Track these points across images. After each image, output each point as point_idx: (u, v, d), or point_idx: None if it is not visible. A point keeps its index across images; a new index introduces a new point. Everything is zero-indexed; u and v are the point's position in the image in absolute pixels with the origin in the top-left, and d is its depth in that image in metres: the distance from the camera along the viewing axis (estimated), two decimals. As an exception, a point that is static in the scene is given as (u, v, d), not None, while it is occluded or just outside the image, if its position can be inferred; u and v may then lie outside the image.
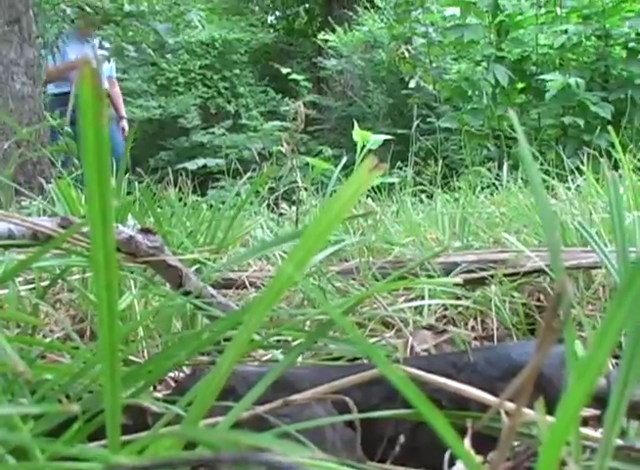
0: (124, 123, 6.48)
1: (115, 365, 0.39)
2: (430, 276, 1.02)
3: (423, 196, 3.09)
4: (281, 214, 2.35)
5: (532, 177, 0.43)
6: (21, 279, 0.85)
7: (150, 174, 8.12)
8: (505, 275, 1.00)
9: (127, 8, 8.15)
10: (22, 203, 2.05)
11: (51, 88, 6.12)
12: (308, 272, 1.21)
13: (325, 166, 2.00)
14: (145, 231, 0.62)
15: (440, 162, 3.95)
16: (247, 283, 1.16)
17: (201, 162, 7.39)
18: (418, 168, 5.09)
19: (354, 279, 1.11)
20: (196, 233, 1.33)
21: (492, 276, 1.01)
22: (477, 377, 0.56)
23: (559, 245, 0.34)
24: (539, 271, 0.99)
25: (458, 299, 0.97)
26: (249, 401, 0.46)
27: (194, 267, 0.99)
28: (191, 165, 7.05)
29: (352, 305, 0.64)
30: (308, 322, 0.92)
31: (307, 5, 11.35)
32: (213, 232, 1.31)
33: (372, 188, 2.24)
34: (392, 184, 2.73)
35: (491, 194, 2.43)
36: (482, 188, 2.70)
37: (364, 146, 2.07)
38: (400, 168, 4.89)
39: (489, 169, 5.95)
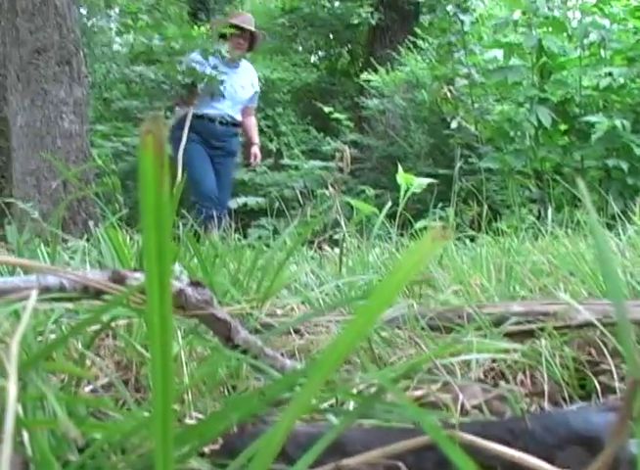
0: (256, 149, 6.27)
1: (169, 430, 0.39)
2: (477, 327, 1.01)
3: (466, 238, 3.07)
4: (322, 254, 2.34)
5: (599, 245, 0.42)
6: (65, 324, 0.85)
7: (190, 211, 8.16)
8: (555, 327, 0.98)
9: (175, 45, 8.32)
10: (69, 243, 2.07)
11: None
12: (345, 320, 1.20)
13: (369, 210, 2.00)
14: (194, 284, 0.62)
15: (482, 203, 3.92)
16: (291, 329, 1.15)
17: (242, 200, 7.45)
18: (459, 208, 5.06)
19: (400, 328, 1.09)
20: (241, 281, 1.33)
21: (542, 329, 0.99)
22: (534, 444, 0.55)
23: (623, 303, 0.33)
24: (590, 324, 0.97)
25: (506, 351, 0.95)
26: (304, 466, 0.45)
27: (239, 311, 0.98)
28: (232, 203, 7.09)
29: (406, 371, 0.62)
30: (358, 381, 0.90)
31: (350, 46, 11.48)
32: (260, 279, 1.30)
33: (415, 231, 2.23)
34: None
35: (535, 237, 2.40)
36: (526, 230, 2.67)
37: (408, 189, 2.06)
38: (442, 209, 4.88)
39: (531, 211, 5.92)
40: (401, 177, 2.04)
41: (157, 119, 0.31)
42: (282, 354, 0.83)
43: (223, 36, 6.10)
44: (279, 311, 1.31)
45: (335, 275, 1.81)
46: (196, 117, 5.77)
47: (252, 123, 6.42)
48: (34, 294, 0.41)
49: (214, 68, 6.04)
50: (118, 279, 0.58)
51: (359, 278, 1.55)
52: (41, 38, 4.40)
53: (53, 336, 0.83)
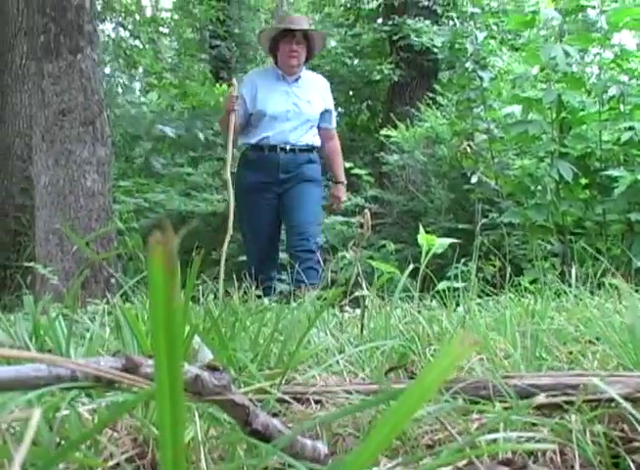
0: (339, 190, 5.22)
1: None
2: (503, 400, 0.98)
3: (487, 295, 3.03)
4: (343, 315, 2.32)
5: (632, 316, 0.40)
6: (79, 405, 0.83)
7: (212, 266, 8.12)
8: (584, 401, 0.95)
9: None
10: (88, 307, 2.07)
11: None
12: (367, 390, 1.17)
13: (391, 270, 1.98)
14: (211, 368, 0.60)
15: (504, 258, 3.89)
16: (311, 400, 1.13)
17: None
18: (481, 263, 5.03)
19: (423, 400, 1.06)
20: (262, 346, 1.31)
21: (571, 402, 0.96)
22: None
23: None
24: (622, 398, 0.94)
25: (534, 426, 0.92)
26: None
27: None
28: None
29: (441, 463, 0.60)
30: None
31: (370, 102, 11.60)
32: (280, 350, 1.29)
33: (438, 292, 2.21)
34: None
35: (558, 295, 2.37)
36: (549, 288, 2.63)
37: (429, 249, 2.05)
38: (464, 264, 4.84)
39: (553, 265, 5.86)
40: (423, 238, 2.03)
41: (166, 231, 0.30)
42: (303, 432, 0.81)
43: (273, 49, 5.10)
44: (299, 380, 1.29)
45: (356, 338, 1.79)
46: (255, 147, 4.94)
47: (335, 150, 5.29)
48: (37, 414, 0.40)
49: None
50: (132, 367, 0.56)
51: (381, 343, 1.52)
52: (66, 100, 4.48)
53: (66, 412, 0.82)
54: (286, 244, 5.12)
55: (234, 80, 5.06)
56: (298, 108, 4.94)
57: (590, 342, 1.36)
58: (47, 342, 1.21)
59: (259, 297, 2.97)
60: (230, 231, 4.70)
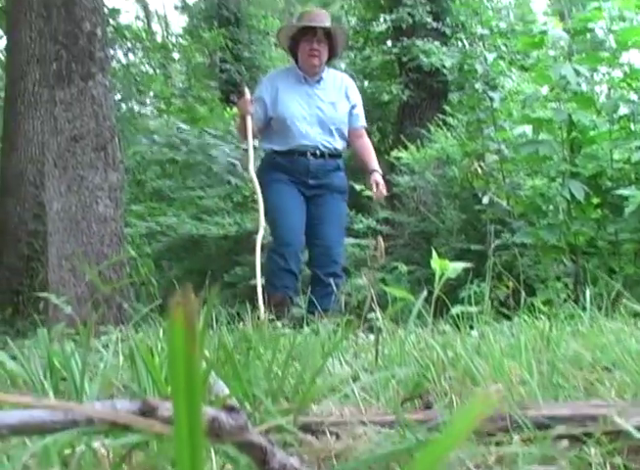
0: (377, 176, 4.83)
1: None
2: (521, 432, 0.97)
3: (501, 315, 3.02)
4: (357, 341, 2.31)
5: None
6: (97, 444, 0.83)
7: (225, 289, 8.07)
8: (603, 433, 0.94)
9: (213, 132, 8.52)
10: (102, 337, 2.07)
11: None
12: (384, 421, 1.16)
13: (404, 295, 1.97)
14: (228, 409, 0.60)
15: (517, 278, 3.88)
16: (327, 432, 1.12)
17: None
18: (494, 284, 5.01)
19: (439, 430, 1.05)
20: (276, 374, 1.30)
21: (589, 434, 0.95)
22: None
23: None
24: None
25: (553, 458, 0.91)
26: None
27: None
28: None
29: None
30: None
31: (380, 123, 11.63)
32: (296, 381, 1.28)
33: (452, 317, 2.19)
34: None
35: (572, 317, 2.35)
36: (562, 309, 2.61)
37: (442, 274, 2.04)
38: (477, 285, 4.83)
39: (566, 285, 5.84)
40: (436, 263, 2.02)
41: (186, 292, 0.30)
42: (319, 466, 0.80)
43: (293, 49, 4.88)
44: (315, 410, 1.28)
45: (370, 365, 1.78)
46: (282, 153, 4.73)
47: (365, 146, 4.98)
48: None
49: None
50: (149, 410, 0.56)
51: (396, 372, 1.51)
52: (78, 126, 4.51)
53: (81, 448, 0.82)
54: (310, 260, 4.90)
55: (245, 88, 4.97)
56: (323, 112, 4.74)
57: (607, 369, 1.35)
58: (62, 373, 1.21)
59: (272, 320, 2.96)
60: (263, 223, 4.58)
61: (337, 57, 5.12)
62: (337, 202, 4.81)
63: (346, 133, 4.88)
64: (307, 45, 4.72)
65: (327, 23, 4.76)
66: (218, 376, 1.08)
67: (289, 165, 4.71)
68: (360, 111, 4.98)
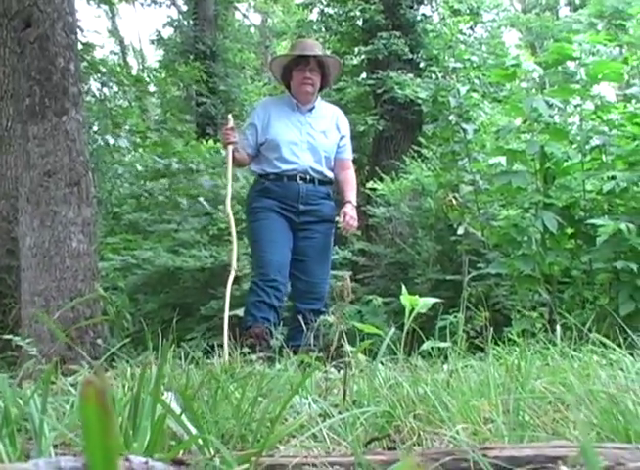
0: (349, 209, 4.73)
1: None
2: (483, 474, 0.97)
3: (475, 347, 3.03)
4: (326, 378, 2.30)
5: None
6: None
7: (201, 322, 8.02)
8: (564, 475, 0.94)
9: (175, 166, 8.51)
10: (70, 377, 2.04)
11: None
12: (348, 463, 1.16)
13: (375, 332, 1.97)
14: (177, 463, 0.59)
15: (492, 308, 3.89)
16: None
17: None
18: (470, 314, 5.01)
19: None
20: (242, 425, 1.29)
21: (550, 476, 0.95)
22: None
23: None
24: (602, 470, 0.92)
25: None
26: None
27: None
28: (241, 312, 7.05)
29: None
30: None
31: (355, 155, 11.69)
32: (259, 424, 1.27)
33: (424, 351, 2.19)
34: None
35: (546, 348, 2.36)
36: (535, 340, 2.62)
37: (413, 309, 2.04)
38: (450, 314, 4.83)
39: (542, 315, 5.86)
40: (406, 299, 2.03)
41: (99, 373, 0.30)
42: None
43: (286, 78, 4.93)
44: (281, 450, 1.27)
45: (340, 403, 1.77)
46: (272, 178, 4.73)
47: (347, 178, 4.93)
48: None
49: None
50: (93, 469, 0.55)
51: (364, 411, 1.51)
52: (51, 161, 4.49)
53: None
54: (292, 293, 4.87)
55: (229, 116, 4.99)
56: (314, 139, 4.78)
57: (572, 407, 1.35)
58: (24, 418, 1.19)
59: (247, 353, 2.94)
60: (235, 266, 4.56)
61: (329, 86, 5.16)
62: (324, 234, 4.80)
63: (331, 163, 4.91)
64: (300, 74, 4.79)
65: (320, 53, 4.86)
66: (177, 420, 1.07)
67: (279, 190, 4.71)
68: (348, 142, 5.03)
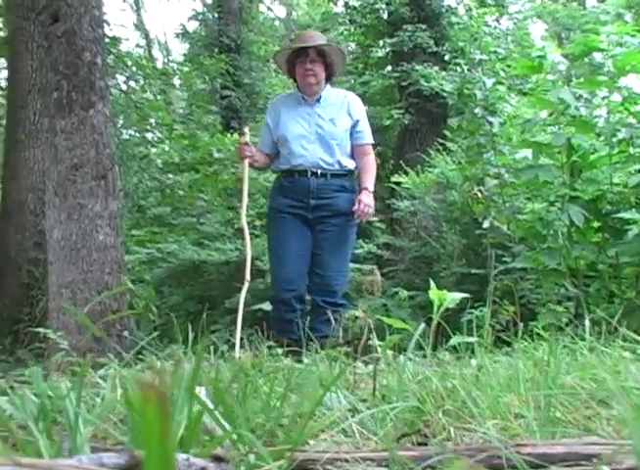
0: (364, 196, 4.63)
1: None
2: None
3: (501, 341, 3.01)
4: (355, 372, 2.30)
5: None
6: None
7: (225, 315, 8.03)
8: (598, 473, 0.94)
9: (201, 158, 8.57)
10: (100, 370, 2.06)
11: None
12: (380, 458, 1.16)
13: (403, 326, 1.97)
14: (217, 459, 0.60)
15: (518, 303, 3.87)
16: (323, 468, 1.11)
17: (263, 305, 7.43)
18: (495, 308, 4.99)
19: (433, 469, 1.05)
20: (272, 421, 1.30)
21: (584, 474, 0.94)
22: None
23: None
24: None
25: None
26: None
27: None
28: (266, 306, 7.07)
29: None
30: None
31: (380, 148, 11.69)
32: (292, 419, 1.27)
33: (452, 347, 2.19)
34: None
35: (573, 343, 2.34)
36: (562, 335, 2.60)
37: (441, 304, 2.04)
38: (475, 308, 4.80)
39: (568, 309, 5.83)
40: (434, 294, 2.02)
41: (160, 374, 0.30)
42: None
43: (292, 72, 4.92)
44: (312, 445, 1.28)
45: (369, 398, 1.77)
46: (285, 174, 4.79)
47: (364, 164, 4.80)
48: None
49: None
50: (135, 464, 0.56)
51: (394, 406, 1.51)
52: (78, 155, 4.53)
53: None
54: (309, 287, 4.86)
55: (245, 129, 5.06)
56: (322, 129, 4.73)
57: (604, 403, 1.35)
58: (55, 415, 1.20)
59: (270, 348, 2.95)
60: (248, 278, 4.61)
61: (335, 74, 5.08)
62: (340, 228, 4.74)
63: (350, 150, 4.83)
64: (302, 66, 4.78)
65: (319, 43, 4.80)
66: (212, 417, 1.08)
67: (290, 186, 4.74)
68: (365, 127, 4.90)
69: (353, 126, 4.83)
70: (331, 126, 4.75)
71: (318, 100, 4.84)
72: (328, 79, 4.94)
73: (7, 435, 1.07)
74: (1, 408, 1.15)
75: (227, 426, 1.05)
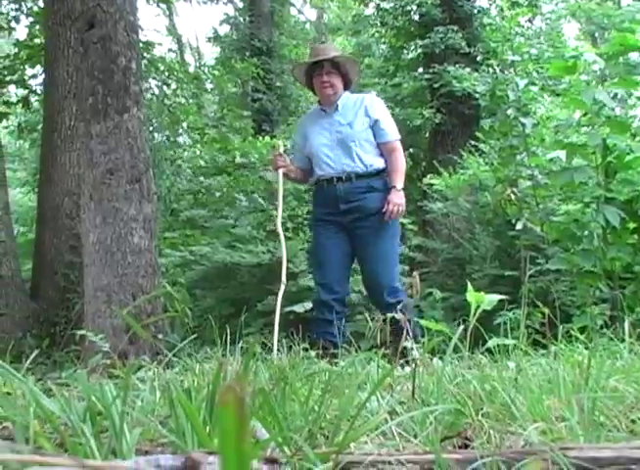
0: (393, 195, 4.67)
1: None
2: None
3: (537, 344, 2.98)
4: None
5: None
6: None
7: (257, 318, 8.04)
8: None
9: (238, 160, 8.60)
10: (138, 372, 2.08)
11: None
12: (423, 461, 1.15)
13: (441, 329, 1.96)
14: (270, 461, 0.60)
15: (552, 305, 3.84)
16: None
17: (308, 305, 7.43)
18: (529, 310, 4.95)
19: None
20: (312, 423, 1.30)
21: (634, 478, 0.93)
22: None
23: None
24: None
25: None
26: None
27: None
28: (298, 308, 7.08)
29: None
30: None
31: (412, 150, 11.67)
32: (334, 422, 1.28)
33: (489, 349, 2.18)
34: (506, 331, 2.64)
35: (611, 347, 2.32)
36: (599, 336, 2.58)
37: (478, 306, 2.03)
38: (509, 310, 4.76)
39: (603, 312, 5.76)
40: (471, 296, 2.01)
41: (239, 378, 0.30)
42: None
43: (311, 85, 5.04)
44: (352, 448, 1.28)
45: (407, 400, 1.77)
46: (317, 184, 4.94)
47: (391, 162, 4.84)
48: None
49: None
50: (192, 466, 0.56)
51: (433, 409, 1.50)
52: (113, 159, 4.56)
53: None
54: (365, 289, 5.22)
55: (279, 141, 5.22)
56: (341, 133, 4.83)
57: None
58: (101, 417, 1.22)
59: (306, 350, 2.95)
60: (284, 281, 4.72)
61: (352, 83, 5.12)
62: (373, 228, 4.74)
63: (375, 149, 4.87)
64: (318, 79, 4.90)
65: (332, 55, 4.89)
66: (256, 418, 1.08)
67: (322, 195, 4.89)
68: (387, 125, 4.92)
69: (374, 126, 4.87)
70: (348, 129, 4.84)
71: (337, 108, 4.93)
72: (346, 88, 5.02)
73: (54, 435, 1.09)
74: (50, 410, 1.16)
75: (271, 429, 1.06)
